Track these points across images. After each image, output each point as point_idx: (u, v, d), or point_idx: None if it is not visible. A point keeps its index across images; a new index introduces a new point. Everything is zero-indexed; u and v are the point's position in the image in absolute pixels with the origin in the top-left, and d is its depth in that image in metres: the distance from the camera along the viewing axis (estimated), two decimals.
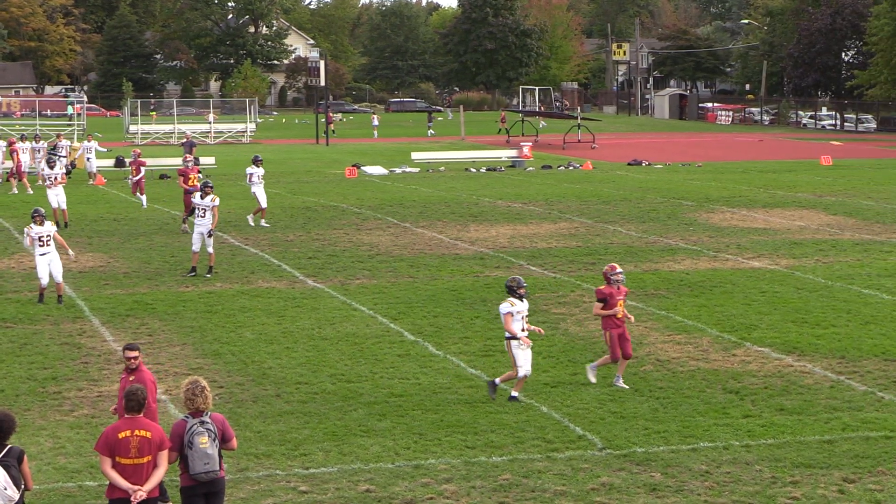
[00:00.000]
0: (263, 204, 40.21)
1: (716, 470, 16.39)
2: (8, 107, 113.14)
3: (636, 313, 26.09)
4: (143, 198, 45.59)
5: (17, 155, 52.76)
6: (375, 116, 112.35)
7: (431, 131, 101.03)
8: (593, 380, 20.56)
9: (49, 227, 27.32)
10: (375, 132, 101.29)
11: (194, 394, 13.09)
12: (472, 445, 17.37)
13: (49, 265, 26.97)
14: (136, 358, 14.77)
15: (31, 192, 50.10)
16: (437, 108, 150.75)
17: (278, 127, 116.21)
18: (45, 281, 27.08)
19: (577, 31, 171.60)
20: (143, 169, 46.49)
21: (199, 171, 38.07)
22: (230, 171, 61.33)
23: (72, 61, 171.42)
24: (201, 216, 31.11)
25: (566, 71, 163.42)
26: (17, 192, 50.87)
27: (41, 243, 26.98)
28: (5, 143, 56.15)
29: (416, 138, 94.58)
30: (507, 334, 19.69)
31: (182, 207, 39.29)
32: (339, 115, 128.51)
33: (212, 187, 32.06)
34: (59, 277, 27.26)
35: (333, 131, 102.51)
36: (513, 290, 19.73)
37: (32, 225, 27.05)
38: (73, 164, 57.60)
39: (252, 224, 39.87)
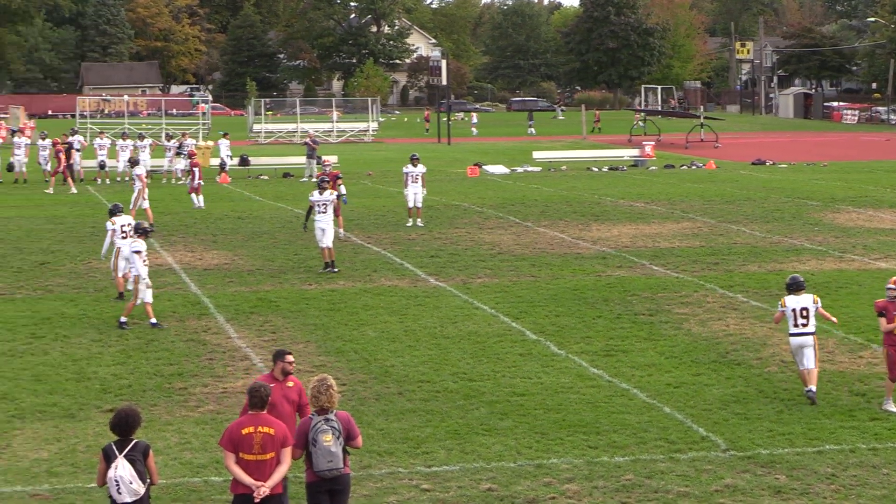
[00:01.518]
0: (411, 203, 40.10)
1: (842, 473, 16.15)
2: (135, 106, 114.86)
3: (760, 314, 25.85)
4: (196, 198, 45.01)
5: (63, 155, 53.51)
6: (474, 115, 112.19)
7: (532, 130, 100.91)
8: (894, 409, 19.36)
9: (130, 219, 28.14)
10: (475, 129, 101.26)
11: (319, 392, 13.16)
12: (595, 445, 17.29)
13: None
14: (293, 362, 14.70)
15: (75, 191, 50.87)
16: (552, 106, 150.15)
17: (400, 126, 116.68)
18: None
19: (700, 29, 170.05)
20: (196, 170, 45.74)
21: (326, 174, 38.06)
22: (352, 169, 61.72)
23: (197, 61, 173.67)
24: (322, 211, 31.41)
25: (689, 70, 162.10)
26: (75, 191, 51.36)
27: (124, 235, 27.46)
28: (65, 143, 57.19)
29: (518, 138, 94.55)
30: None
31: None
32: (461, 114, 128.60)
33: (329, 182, 32.50)
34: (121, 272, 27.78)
35: (427, 130, 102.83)
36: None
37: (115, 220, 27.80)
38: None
39: (409, 224, 39.83)
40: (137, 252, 24.79)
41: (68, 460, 16.76)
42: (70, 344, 23.47)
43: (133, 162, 44.02)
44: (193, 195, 44.70)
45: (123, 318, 24.87)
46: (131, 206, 39.09)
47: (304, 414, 13.97)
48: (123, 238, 27.47)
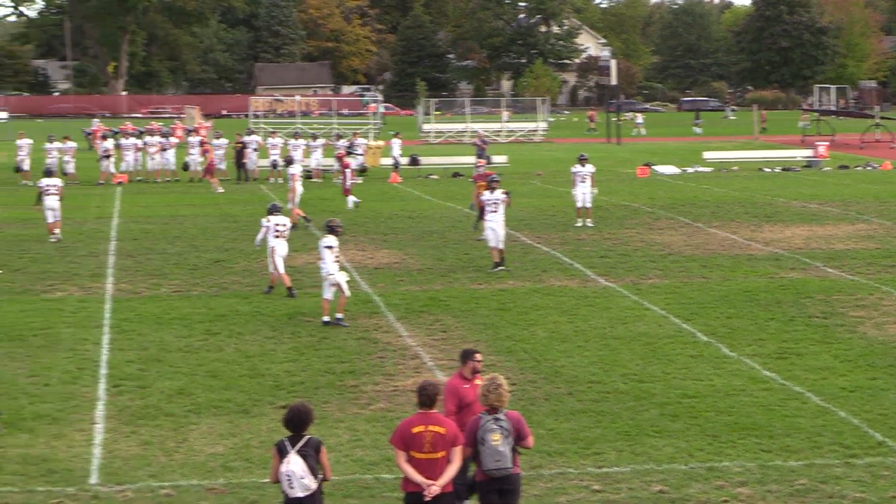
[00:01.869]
0: (579, 203, 40.03)
1: None
2: (306, 106, 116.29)
3: None
4: (349, 199, 45.12)
5: (211, 154, 54.24)
6: (639, 115, 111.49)
7: (698, 129, 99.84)
8: None
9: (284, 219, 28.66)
10: (642, 130, 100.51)
11: (489, 391, 13.18)
12: (768, 449, 17.05)
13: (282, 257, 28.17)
14: (481, 360, 14.72)
15: (222, 191, 51.45)
16: (723, 106, 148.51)
17: (569, 126, 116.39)
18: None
19: (876, 28, 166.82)
20: (347, 171, 45.87)
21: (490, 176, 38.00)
22: (521, 169, 61.81)
23: (367, 61, 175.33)
24: (493, 211, 31.50)
25: (864, 69, 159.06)
26: (221, 190, 51.98)
27: (277, 234, 28.04)
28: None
29: (687, 138, 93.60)
30: None
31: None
32: (630, 114, 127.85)
33: (499, 181, 32.61)
34: (281, 268, 28.27)
35: (594, 129, 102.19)
36: None
37: (270, 217, 28.30)
38: (364, 166, 58.76)
39: (579, 224, 39.73)
40: (329, 248, 25.11)
41: (243, 455, 17.03)
42: (244, 341, 23.85)
43: (288, 161, 44.49)
44: (349, 197, 45.03)
45: (340, 315, 25.18)
46: (292, 205, 39.74)
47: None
48: (277, 237, 28.11)
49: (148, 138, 58.21)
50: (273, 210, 28.82)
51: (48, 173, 37.69)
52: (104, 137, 59.07)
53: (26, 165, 55.64)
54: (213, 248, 35.58)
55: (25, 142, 56.09)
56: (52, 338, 24.02)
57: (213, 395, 19.99)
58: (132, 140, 58.91)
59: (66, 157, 55.11)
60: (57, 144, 55.49)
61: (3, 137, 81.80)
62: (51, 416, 18.79)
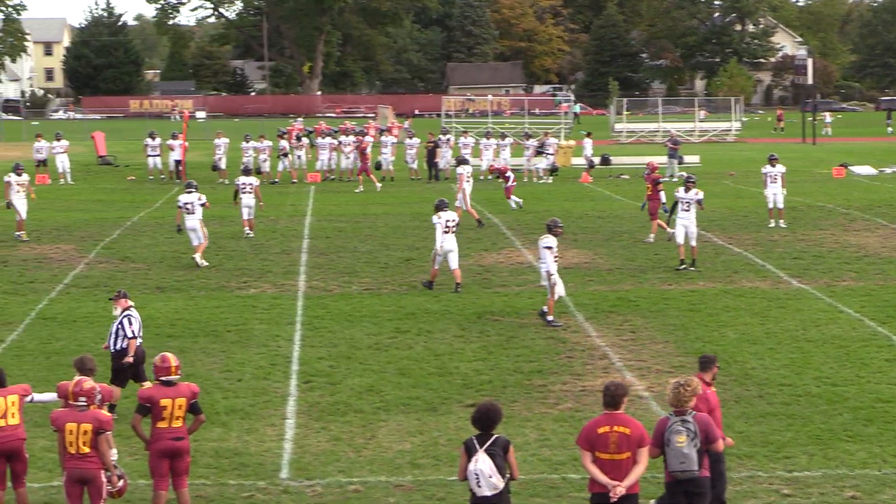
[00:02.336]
0: (771, 204, 39.54)
1: None
2: (498, 105, 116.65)
3: None
4: (512, 200, 44.52)
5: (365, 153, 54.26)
6: (827, 115, 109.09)
7: (890, 129, 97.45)
8: None
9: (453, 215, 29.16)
10: (829, 130, 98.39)
11: (677, 392, 13.08)
12: None
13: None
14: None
15: (361, 189, 51.58)
16: None
17: (763, 125, 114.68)
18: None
19: None
20: (510, 174, 45.36)
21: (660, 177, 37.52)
22: (713, 169, 61.14)
23: (560, 61, 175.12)
24: (685, 210, 31.30)
25: None
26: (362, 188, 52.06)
27: (447, 230, 28.54)
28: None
29: (879, 138, 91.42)
30: None
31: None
32: (827, 115, 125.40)
33: (694, 182, 32.32)
34: (454, 264, 28.78)
35: (783, 129, 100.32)
36: None
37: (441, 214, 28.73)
38: (555, 166, 58.62)
39: (771, 225, 39.19)
40: (548, 248, 25.18)
41: (430, 453, 17.14)
42: (433, 339, 24.00)
43: (459, 161, 44.55)
44: (511, 198, 44.73)
45: (550, 317, 25.26)
46: (463, 205, 40.06)
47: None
48: (445, 233, 28.53)
49: (342, 138, 58.91)
50: (441, 206, 29.09)
51: (245, 171, 38.37)
52: (298, 139, 59.97)
53: (223, 164, 56.79)
54: (403, 246, 35.89)
55: (222, 141, 57.23)
56: (245, 334, 24.48)
57: (401, 392, 20.15)
58: (327, 140, 59.69)
59: (262, 156, 56.08)
60: (253, 143, 56.50)
61: (201, 137, 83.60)
62: (243, 411, 19.15)
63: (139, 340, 18.93)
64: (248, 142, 56.78)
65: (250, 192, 37.36)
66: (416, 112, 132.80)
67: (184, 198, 32.98)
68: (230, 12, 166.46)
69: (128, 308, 19.03)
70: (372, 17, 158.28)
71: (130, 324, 18.85)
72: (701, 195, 31.84)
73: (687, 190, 31.65)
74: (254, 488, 15.85)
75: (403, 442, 17.64)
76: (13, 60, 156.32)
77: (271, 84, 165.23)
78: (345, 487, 15.85)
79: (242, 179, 37.62)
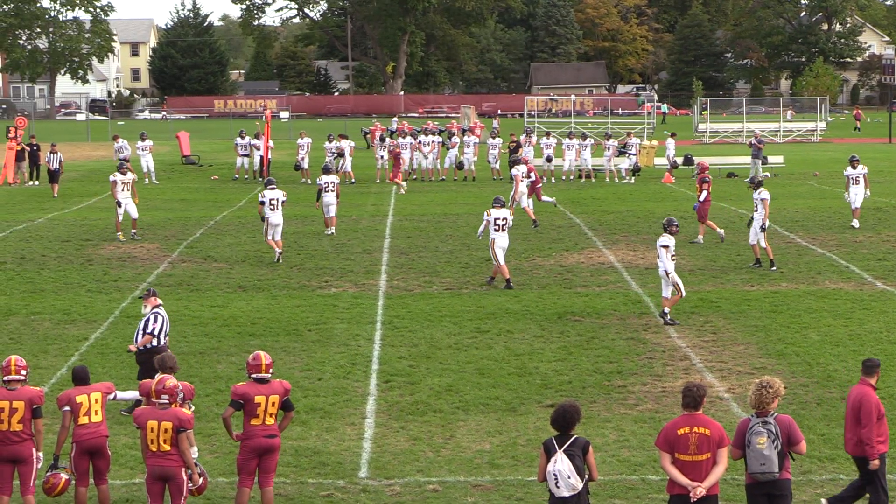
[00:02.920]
0: (854, 205, 39.25)
1: None
2: (581, 105, 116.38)
3: None
4: (547, 199, 44.05)
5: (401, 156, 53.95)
6: None
7: None
8: None
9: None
10: None
11: (759, 393, 12.99)
12: None
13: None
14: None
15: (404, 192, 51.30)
16: None
17: (849, 125, 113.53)
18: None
19: None
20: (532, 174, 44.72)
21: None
22: (798, 169, 60.60)
23: (643, 60, 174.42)
24: (755, 210, 31.37)
25: None
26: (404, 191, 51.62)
27: (497, 227, 29.30)
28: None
29: None
30: None
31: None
32: None
33: (761, 182, 32.28)
34: (502, 260, 29.47)
35: (858, 129, 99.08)
36: None
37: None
38: (637, 166, 58.33)
39: (855, 226, 38.83)
40: (665, 247, 25.21)
41: (509, 453, 17.13)
42: (513, 339, 23.98)
43: (513, 162, 44.36)
44: (543, 197, 44.43)
45: (666, 310, 25.32)
46: (509, 204, 39.84)
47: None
48: (497, 231, 29.26)
49: (423, 137, 59.04)
50: (497, 203, 29.90)
51: (326, 171, 38.55)
52: (382, 139, 60.22)
53: (305, 164, 57.10)
54: (484, 246, 35.78)
55: (305, 141, 57.56)
56: (325, 333, 24.58)
57: (481, 392, 20.16)
58: (409, 139, 59.85)
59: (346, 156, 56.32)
60: (335, 143, 56.77)
61: (284, 136, 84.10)
62: (323, 410, 19.23)
63: (164, 340, 19.10)
64: (330, 141, 57.05)
65: (332, 191, 37.56)
66: (499, 112, 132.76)
67: (269, 194, 33.38)
68: (315, 13, 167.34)
69: (157, 306, 19.21)
70: (456, 17, 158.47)
71: (155, 321, 19.05)
72: (766, 195, 31.59)
73: (756, 189, 31.69)
74: (333, 487, 15.92)
75: (482, 442, 17.65)
76: (100, 61, 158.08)
77: (355, 84, 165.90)
78: (423, 487, 15.88)
79: (324, 179, 37.79)
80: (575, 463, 12.45)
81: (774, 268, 30.98)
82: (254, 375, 14.70)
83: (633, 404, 19.43)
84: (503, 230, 29.37)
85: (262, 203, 33.26)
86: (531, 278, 30.48)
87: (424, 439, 17.80)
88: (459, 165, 57.70)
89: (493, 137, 60.35)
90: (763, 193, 31.57)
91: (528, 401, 19.64)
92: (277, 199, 33.14)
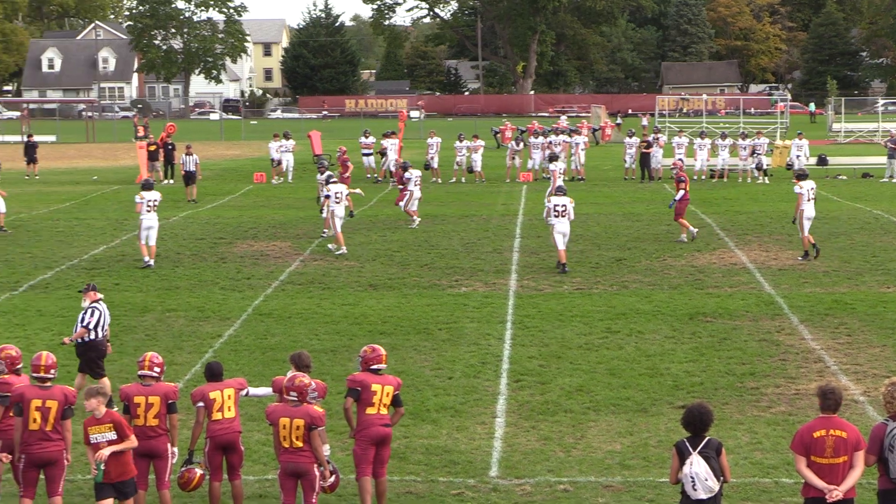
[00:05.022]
0: None
1: None
2: (713, 105, 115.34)
3: None
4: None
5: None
6: None
7: None
8: None
9: None
10: None
11: (894, 396, 12.76)
12: None
13: None
14: None
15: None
16: None
17: None
18: None
19: None
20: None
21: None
22: None
23: (776, 60, 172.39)
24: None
25: None
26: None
27: (556, 214, 31.04)
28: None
29: None
30: None
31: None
32: None
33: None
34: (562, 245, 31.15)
35: None
36: None
37: None
38: (761, 164, 57.55)
39: None
40: None
41: (640, 454, 17.03)
42: (644, 339, 23.84)
43: (552, 157, 44.06)
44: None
45: None
46: (545, 197, 40.43)
47: None
48: (557, 217, 31.03)
49: (553, 137, 58.94)
50: (559, 191, 31.87)
51: (426, 167, 39.01)
52: (517, 140, 60.28)
53: (435, 163, 57.28)
54: (615, 246, 35.74)
55: (435, 140, 57.79)
56: (456, 332, 24.63)
57: (611, 392, 20.07)
58: (539, 139, 59.78)
59: (474, 156, 56.41)
60: (466, 143, 56.90)
61: (415, 136, 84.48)
62: (453, 409, 19.27)
63: (102, 334, 19.30)
64: (461, 141, 57.19)
65: (341, 203, 36.71)
66: (630, 111, 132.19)
67: (334, 188, 35.03)
68: (445, 12, 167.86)
69: (96, 301, 19.41)
70: (586, 16, 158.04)
71: (92, 315, 19.24)
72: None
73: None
74: (463, 486, 15.94)
75: (613, 442, 17.57)
76: (234, 61, 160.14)
77: (485, 84, 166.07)
78: (554, 487, 15.84)
79: (333, 189, 37.43)
80: (711, 465, 12.34)
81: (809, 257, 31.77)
82: (371, 367, 14.79)
83: (766, 406, 19.21)
84: (563, 216, 31.09)
85: (328, 197, 34.89)
86: (662, 279, 30.27)
87: (555, 439, 17.76)
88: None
89: (630, 136, 59.92)
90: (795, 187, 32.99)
91: (660, 402, 19.51)
92: (341, 193, 34.90)
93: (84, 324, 19.19)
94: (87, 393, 13.83)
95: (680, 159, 47.23)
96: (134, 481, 14.05)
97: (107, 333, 19.60)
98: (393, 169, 55.43)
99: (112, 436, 13.82)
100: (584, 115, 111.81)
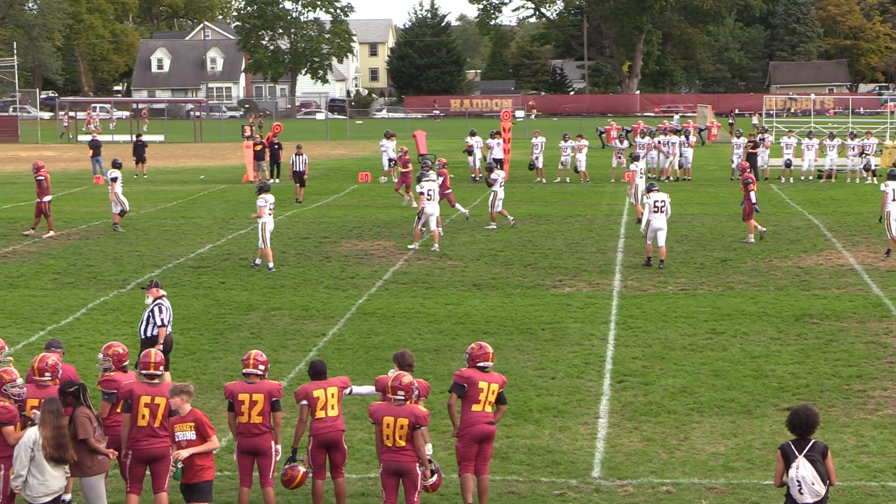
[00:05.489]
0: None
1: None
2: (821, 105, 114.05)
3: None
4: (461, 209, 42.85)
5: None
6: None
7: None
8: None
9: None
10: None
11: None
12: None
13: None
14: None
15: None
16: None
17: None
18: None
19: None
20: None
21: None
22: None
23: (887, 59, 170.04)
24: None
25: None
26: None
27: (656, 209, 31.63)
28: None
29: None
30: None
31: None
32: None
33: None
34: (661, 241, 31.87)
35: None
36: None
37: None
38: (869, 165, 56.75)
39: None
40: None
41: (744, 456, 16.89)
42: (749, 341, 23.64)
43: (633, 157, 43.63)
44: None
45: None
46: (634, 201, 40.95)
47: None
48: (655, 212, 31.49)
49: (661, 137, 58.62)
50: (653, 187, 32.38)
51: (488, 169, 39.07)
52: (621, 138, 60.07)
53: (540, 163, 57.19)
54: (720, 246, 35.46)
55: (539, 140, 57.70)
56: (559, 332, 24.58)
57: (715, 394, 19.92)
58: (646, 139, 59.48)
59: (579, 156, 56.25)
60: (570, 143, 56.76)
61: (520, 136, 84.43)
62: (556, 409, 19.24)
63: (168, 329, 19.50)
64: (565, 141, 57.05)
65: (433, 200, 36.81)
66: (736, 111, 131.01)
67: (427, 185, 35.35)
68: (551, 12, 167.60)
69: (159, 297, 19.53)
70: (693, 15, 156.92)
71: (161, 312, 19.46)
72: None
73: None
74: (565, 486, 15.91)
75: (717, 444, 17.44)
76: (340, 61, 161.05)
77: (590, 83, 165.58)
78: (656, 488, 15.76)
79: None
80: (817, 468, 12.24)
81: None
82: (479, 364, 14.81)
83: (872, 409, 18.97)
84: (661, 212, 31.53)
85: (422, 194, 35.02)
86: (768, 279, 30.00)
87: (658, 440, 17.67)
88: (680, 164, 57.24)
89: (738, 136, 59.40)
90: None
91: (764, 403, 19.34)
92: (434, 189, 35.32)
93: (160, 324, 19.44)
94: (171, 391, 13.99)
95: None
96: (211, 484, 14.13)
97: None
98: (478, 166, 55.80)
99: (192, 435, 13.94)
100: (689, 114, 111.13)
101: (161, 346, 19.00)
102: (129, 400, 14.40)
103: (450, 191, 40.82)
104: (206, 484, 14.08)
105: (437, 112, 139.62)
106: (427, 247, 35.28)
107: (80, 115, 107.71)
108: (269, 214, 32.08)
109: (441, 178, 38.44)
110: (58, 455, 13.42)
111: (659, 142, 57.87)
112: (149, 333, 19.48)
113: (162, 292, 19.82)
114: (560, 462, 16.79)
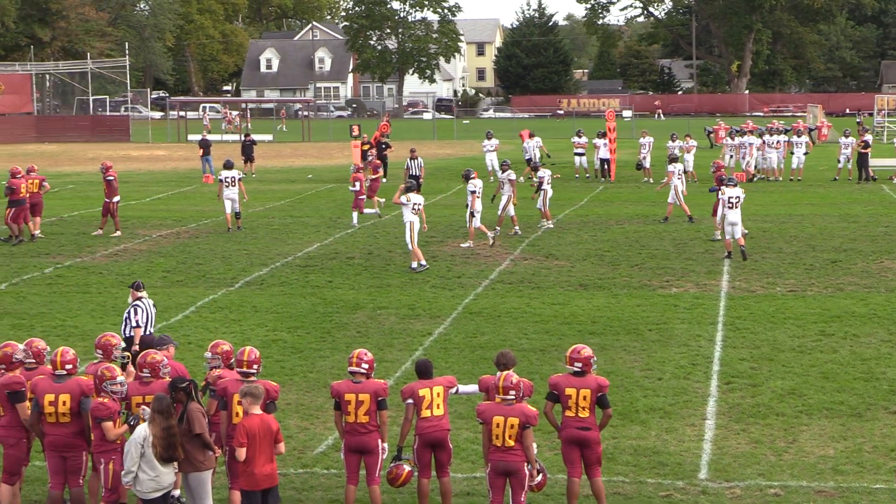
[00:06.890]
0: None
1: None
2: None
3: None
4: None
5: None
6: None
7: None
8: None
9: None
10: None
11: None
12: None
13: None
14: None
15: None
16: None
17: None
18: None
19: None
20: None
21: None
22: None
23: None
24: None
25: None
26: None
27: (730, 205, 32.62)
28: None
29: None
30: None
31: None
32: None
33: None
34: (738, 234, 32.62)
35: None
36: None
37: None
38: None
39: None
40: None
41: (854, 459, 16.68)
42: (859, 343, 23.35)
43: (671, 158, 43.00)
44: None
45: None
46: (675, 200, 40.88)
47: None
48: (730, 208, 32.41)
49: (767, 137, 58.05)
50: (730, 182, 33.45)
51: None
52: (732, 136, 59.64)
53: (647, 163, 56.89)
54: (830, 248, 35.04)
55: (647, 140, 57.37)
56: (666, 333, 24.44)
57: (825, 396, 19.70)
58: (755, 139, 58.93)
59: (687, 156, 55.85)
60: (678, 143, 56.38)
61: (627, 135, 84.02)
62: (663, 410, 19.13)
63: (150, 330, 19.43)
64: (673, 140, 56.70)
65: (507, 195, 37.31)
66: (847, 111, 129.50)
67: (476, 182, 36.31)
68: (659, 11, 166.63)
69: (138, 298, 19.54)
70: (804, 14, 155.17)
71: (136, 314, 19.43)
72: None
73: None
74: (672, 487, 15.82)
75: (826, 447, 17.24)
76: (447, 61, 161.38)
77: (699, 83, 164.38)
78: (764, 491, 15.62)
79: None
80: None
81: None
82: (571, 367, 14.72)
83: None
84: (735, 208, 32.51)
85: (473, 192, 35.71)
86: (879, 281, 29.61)
87: (766, 442, 17.51)
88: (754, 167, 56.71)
89: (847, 136, 58.64)
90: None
91: (875, 406, 19.09)
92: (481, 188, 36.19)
93: (135, 324, 19.45)
94: (241, 392, 14.02)
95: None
96: (277, 490, 14.09)
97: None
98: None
99: None
100: (799, 114, 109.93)
101: (136, 348, 18.93)
102: (224, 398, 14.56)
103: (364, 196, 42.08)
104: (273, 490, 13.89)
105: (561, 111, 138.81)
106: (533, 246, 35.26)
107: (192, 114, 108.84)
108: (415, 213, 32.43)
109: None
110: (167, 455, 13.56)
111: (765, 142, 57.25)
112: (127, 333, 19.48)
113: (141, 294, 19.86)
114: (667, 463, 16.70)
